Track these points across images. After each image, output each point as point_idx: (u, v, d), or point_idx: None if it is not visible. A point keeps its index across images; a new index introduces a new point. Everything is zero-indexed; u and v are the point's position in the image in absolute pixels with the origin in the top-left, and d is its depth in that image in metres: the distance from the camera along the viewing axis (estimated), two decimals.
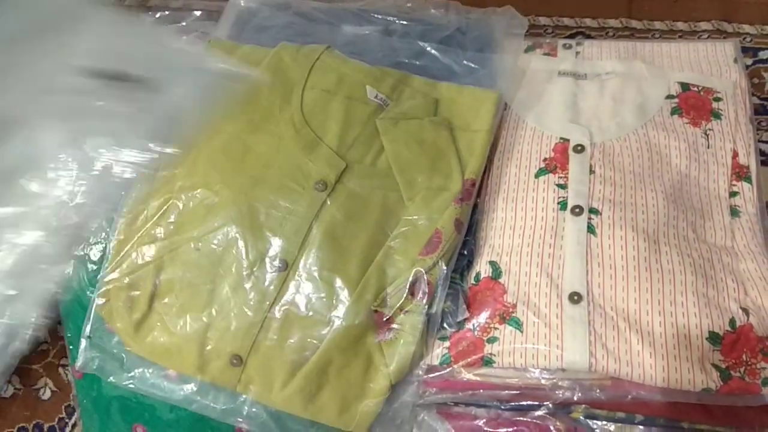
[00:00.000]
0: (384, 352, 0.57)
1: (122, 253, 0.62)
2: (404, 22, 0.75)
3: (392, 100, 0.66)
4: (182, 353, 0.59)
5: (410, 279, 0.57)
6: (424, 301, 0.57)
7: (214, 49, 0.71)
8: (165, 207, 0.62)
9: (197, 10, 0.82)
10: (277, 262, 0.59)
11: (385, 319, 0.57)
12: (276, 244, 0.59)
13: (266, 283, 0.58)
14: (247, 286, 0.58)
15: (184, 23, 0.80)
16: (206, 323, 0.59)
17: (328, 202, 0.60)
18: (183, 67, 0.70)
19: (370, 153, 0.63)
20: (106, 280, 0.62)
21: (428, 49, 0.71)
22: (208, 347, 0.59)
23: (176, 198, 0.62)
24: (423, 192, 0.61)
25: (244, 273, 0.59)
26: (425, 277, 0.57)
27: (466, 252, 0.62)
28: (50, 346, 0.78)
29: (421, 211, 0.60)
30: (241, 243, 0.59)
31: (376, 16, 0.76)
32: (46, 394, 0.76)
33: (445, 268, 0.58)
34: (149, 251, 0.61)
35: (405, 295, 0.57)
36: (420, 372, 0.58)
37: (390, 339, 0.57)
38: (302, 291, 0.58)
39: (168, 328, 0.60)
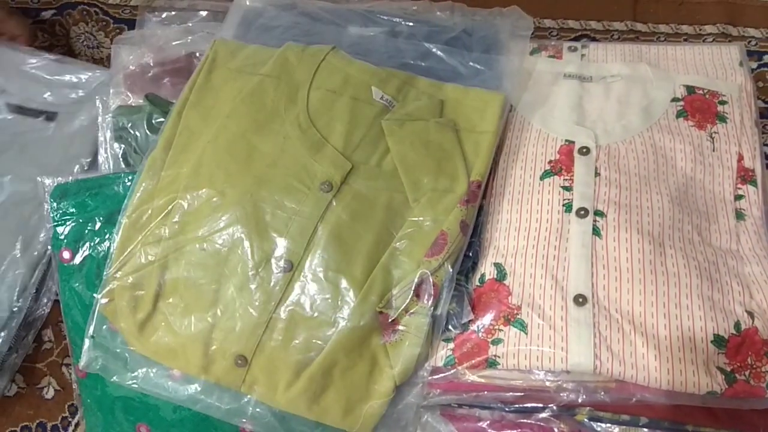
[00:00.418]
0: (389, 353, 0.57)
1: (126, 253, 0.62)
2: (410, 24, 0.75)
3: (398, 101, 0.65)
4: (187, 353, 0.59)
5: (415, 281, 0.57)
6: (430, 302, 0.57)
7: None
8: (170, 207, 0.62)
9: (203, 10, 0.82)
10: (282, 263, 0.58)
11: (390, 320, 0.57)
12: (281, 245, 0.59)
13: (271, 284, 0.58)
14: (253, 286, 0.58)
15: (189, 24, 0.80)
16: (211, 323, 0.59)
17: (334, 203, 0.60)
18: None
19: (375, 154, 0.63)
20: (109, 279, 0.62)
21: (434, 50, 0.71)
22: (213, 347, 0.59)
23: (181, 198, 0.62)
24: (428, 193, 0.61)
25: (250, 273, 0.58)
26: (430, 279, 0.57)
27: (470, 253, 0.62)
28: (54, 345, 0.78)
29: (426, 213, 0.60)
30: (246, 243, 0.59)
31: (381, 17, 0.75)
32: (50, 393, 0.76)
33: (450, 269, 0.58)
34: (154, 251, 0.61)
35: (410, 297, 0.57)
36: (424, 373, 0.58)
37: (395, 340, 0.57)
38: (307, 292, 0.58)
39: (172, 328, 0.60)
